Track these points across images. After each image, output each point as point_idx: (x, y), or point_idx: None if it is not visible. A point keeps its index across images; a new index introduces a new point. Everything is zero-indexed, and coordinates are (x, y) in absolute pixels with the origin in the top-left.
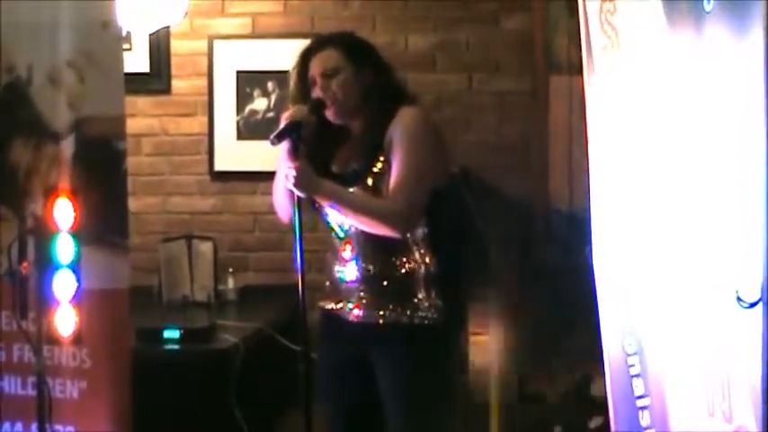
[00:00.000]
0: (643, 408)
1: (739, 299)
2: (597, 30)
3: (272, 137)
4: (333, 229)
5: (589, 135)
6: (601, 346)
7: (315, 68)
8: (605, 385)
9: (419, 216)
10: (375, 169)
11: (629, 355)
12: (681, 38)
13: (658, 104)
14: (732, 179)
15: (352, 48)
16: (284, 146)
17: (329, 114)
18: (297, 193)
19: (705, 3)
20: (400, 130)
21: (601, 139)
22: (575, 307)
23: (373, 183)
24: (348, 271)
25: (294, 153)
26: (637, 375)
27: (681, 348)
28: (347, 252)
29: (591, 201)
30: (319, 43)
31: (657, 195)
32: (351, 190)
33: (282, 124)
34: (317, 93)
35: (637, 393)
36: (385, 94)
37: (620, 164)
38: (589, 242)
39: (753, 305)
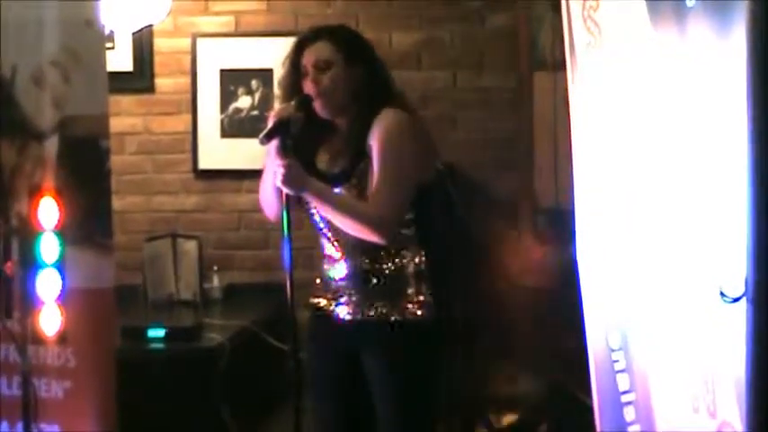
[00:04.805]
0: (628, 403)
1: (723, 294)
2: (580, 26)
3: (260, 136)
4: (321, 228)
5: (573, 131)
6: (585, 343)
7: (307, 59)
8: (590, 381)
9: (400, 220)
10: (360, 169)
11: (613, 351)
12: (663, 33)
13: (641, 100)
14: (715, 175)
15: (347, 43)
16: (272, 144)
17: (317, 107)
18: (285, 190)
19: None
20: (378, 133)
21: (585, 136)
22: (560, 304)
23: (358, 182)
24: (337, 269)
25: (283, 151)
26: (621, 371)
27: (665, 344)
28: (336, 250)
29: (575, 197)
30: (314, 34)
31: (641, 191)
32: (336, 189)
33: (270, 123)
34: (307, 84)
35: (621, 389)
36: (374, 92)
37: (604, 160)
38: (574, 238)
39: (736, 300)
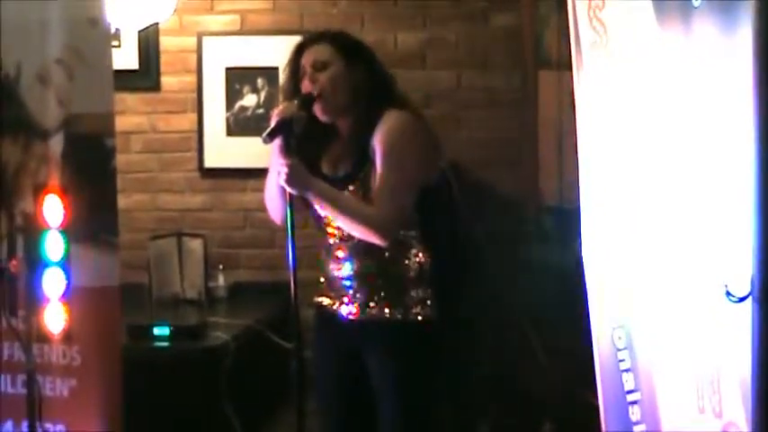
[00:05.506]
0: (633, 403)
1: (728, 293)
2: (586, 25)
3: (264, 135)
4: (326, 228)
5: (578, 131)
6: (591, 342)
7: (306, 59)
8: (595, 380)
9: (403, 223)
10: (363, 172)
11: (619, 350)
12: (669, 33)
13: (647, 100)
14: (721, 174)
15: (346, 45)
16: (276, 143)
17: (317, 110)
18: (289, 189)
19: None
20: (382, 136)
21: (590, 135)
22: (564, 303)
23: (362, 185)
24: (342, 268)
25: (286, 150)
26: (627, 370)
27: (670, 343)
28: (341, 250)
29: (581, 196)
30: (313, 38)
31: (647, 190)
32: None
33: (273, 122)
34: (305, 85)
35: (627, 388)
36: (374, 94)
37: (609, 159)
38: (579, 237)
39: (742, 299)
